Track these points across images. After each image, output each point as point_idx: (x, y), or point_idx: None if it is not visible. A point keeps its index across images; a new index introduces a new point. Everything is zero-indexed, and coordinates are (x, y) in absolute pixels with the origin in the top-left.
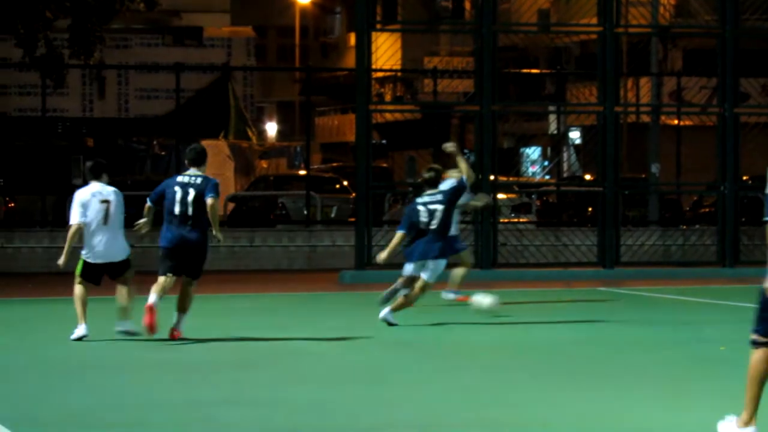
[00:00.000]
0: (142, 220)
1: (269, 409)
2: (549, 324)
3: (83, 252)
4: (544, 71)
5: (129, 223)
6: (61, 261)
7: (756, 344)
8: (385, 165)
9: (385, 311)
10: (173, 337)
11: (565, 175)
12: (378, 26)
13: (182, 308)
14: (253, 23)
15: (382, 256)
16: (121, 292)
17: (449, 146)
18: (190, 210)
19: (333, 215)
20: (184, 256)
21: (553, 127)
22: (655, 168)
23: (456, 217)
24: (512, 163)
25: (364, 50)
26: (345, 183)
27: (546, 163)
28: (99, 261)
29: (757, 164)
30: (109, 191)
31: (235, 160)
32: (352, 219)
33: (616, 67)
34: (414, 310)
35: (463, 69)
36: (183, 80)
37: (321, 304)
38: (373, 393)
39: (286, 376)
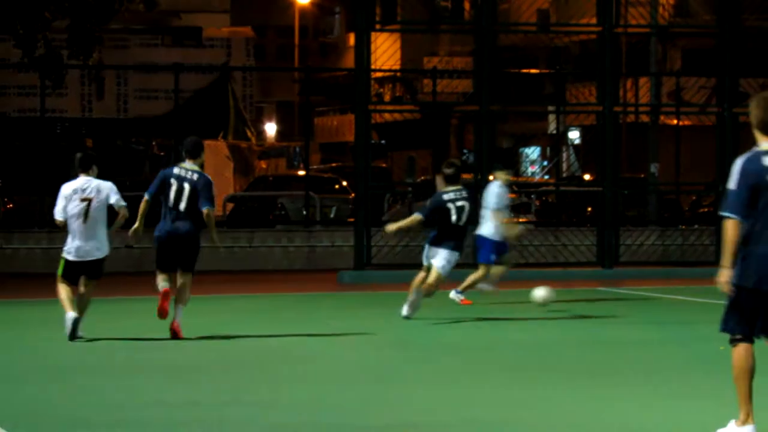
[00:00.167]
0: (134, 226)
1: (266, 408)
2: (548, 324)
3: (64, 250)
4: (543, 71)
5: (128, 225)
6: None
7: (734, 341)
8: (384, 165)
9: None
10: (174, 328)
11: (564, 175)
12: (377, 26)
13: (180, 300)
14: (252, 23)
15: (391, 228)
16: (86, 288)
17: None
18: (183, 205)
19: (332, 215)
20: (175, 250)
21: (552, 127)
22: (654, 168)
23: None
24: (511, 163)
25: (363, 50)
26: (344, 183)
27: (545, 163)
28: (77, 259)
29: None
30: (93, 187)
31: (234, 160)
32: (351, 219)
33: (615, 67)
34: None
35: (462, 69)
36: (182, 81)
37: (320, 305)
38: (370, 393)
39: (284, 376)
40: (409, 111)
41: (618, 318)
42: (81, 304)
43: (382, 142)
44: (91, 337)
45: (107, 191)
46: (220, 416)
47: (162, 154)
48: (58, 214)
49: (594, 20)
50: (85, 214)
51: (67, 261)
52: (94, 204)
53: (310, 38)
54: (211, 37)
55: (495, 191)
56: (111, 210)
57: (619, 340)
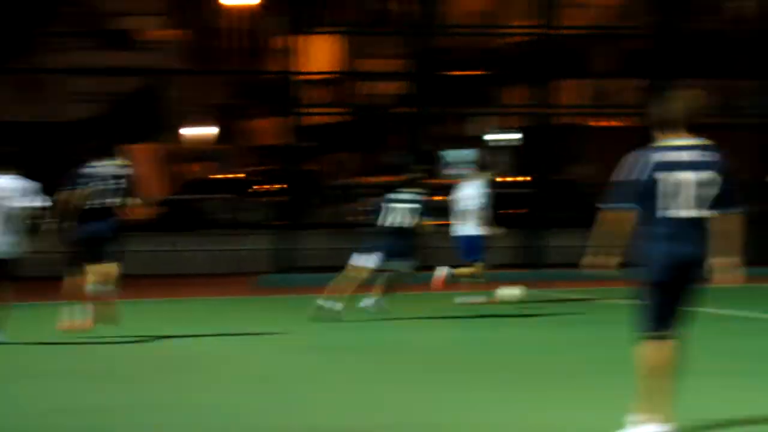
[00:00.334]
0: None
1: (177, 412)
2: (454, 325)
3: None
4: (478, 73)
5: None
6: None
7: (647, 338)
8: (314, 168)
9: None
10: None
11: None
12: (310, 29)
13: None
14: (187, 27)
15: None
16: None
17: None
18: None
19: (257, 219)
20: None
21: (485, 130)
22: (584, 169)
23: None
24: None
25: (294, 53)
26: (273, 186)
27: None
28: None
29: None
30: (2, 186)
31: (163, 163)
32: (277, 222)
33: (550, 69)
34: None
35: (396, 71)
36: (116, 84)
37: (239, 308)
38: (278, 395)
39: (197, 380)
40: (340, 114)
41: (531, 319)
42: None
43: (313, 144)
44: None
45: (21, 192)
46: (130, 422)
47: (90, 158)
48: None
49: (530, 22)
50: None
51: None
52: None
53: (244, 41)
54: (146, 40)
55: (477, 191)
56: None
57: (525, 342)
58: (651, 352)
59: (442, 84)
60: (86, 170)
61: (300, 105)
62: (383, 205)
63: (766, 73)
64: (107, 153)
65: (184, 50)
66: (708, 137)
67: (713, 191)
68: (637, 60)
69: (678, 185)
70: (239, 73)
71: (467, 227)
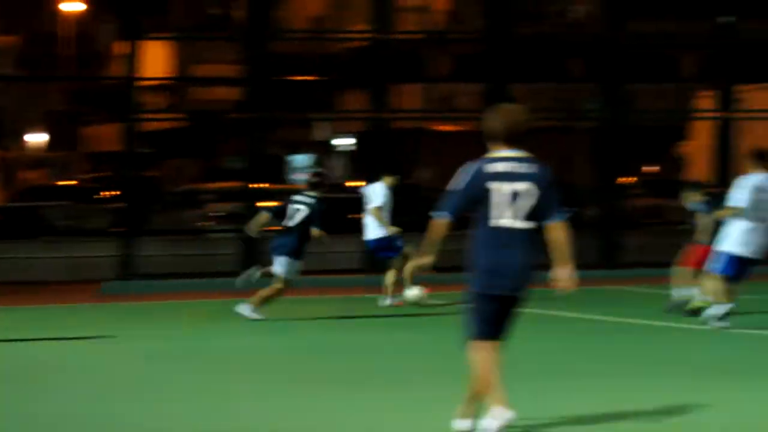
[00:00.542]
0: None
1: (5, 424)
2: (280, 329)
3: None
4: (314, 78)
5: None
6: None
7: (475, 342)
8: (153, 174)
9: None
10: None
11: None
12: (146, 35)
13: None
14: (19, 32)
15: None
16: None
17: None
18: None
19: (97, 225)
20: None
21: (322, 135)
22: (422, 174)
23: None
24: (280, 170)
25: (130, 59)
26: (111, 193)
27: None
28: None
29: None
30: None
31: None
32: (117, 229)
33: (386, 74)
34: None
35: (232, 77)
36: None
37: (80, 316)
38: (117, 406)
39: (26, 391)
40: (177, 119)
41: (365, 324)
42: None
43: (151, 151)
44: None
45: None
46: None
47: None
48: None
49: (366, 27)
50: None
51: None
52: None
53: (79, 47)
54: None
55: (380, 191)
56: None
57: (353, 347)
58: (479, 354)
59: (279, 89)
60: None
61: (137, 111)
62: (288, 206)
63: (601, 76)
64: None
65: (18, 57)
66: (543, 141)
67: (532, 202)
68: (472, 64)
69: (502, 195)
70: (74, 80)
71: (370, 230)
